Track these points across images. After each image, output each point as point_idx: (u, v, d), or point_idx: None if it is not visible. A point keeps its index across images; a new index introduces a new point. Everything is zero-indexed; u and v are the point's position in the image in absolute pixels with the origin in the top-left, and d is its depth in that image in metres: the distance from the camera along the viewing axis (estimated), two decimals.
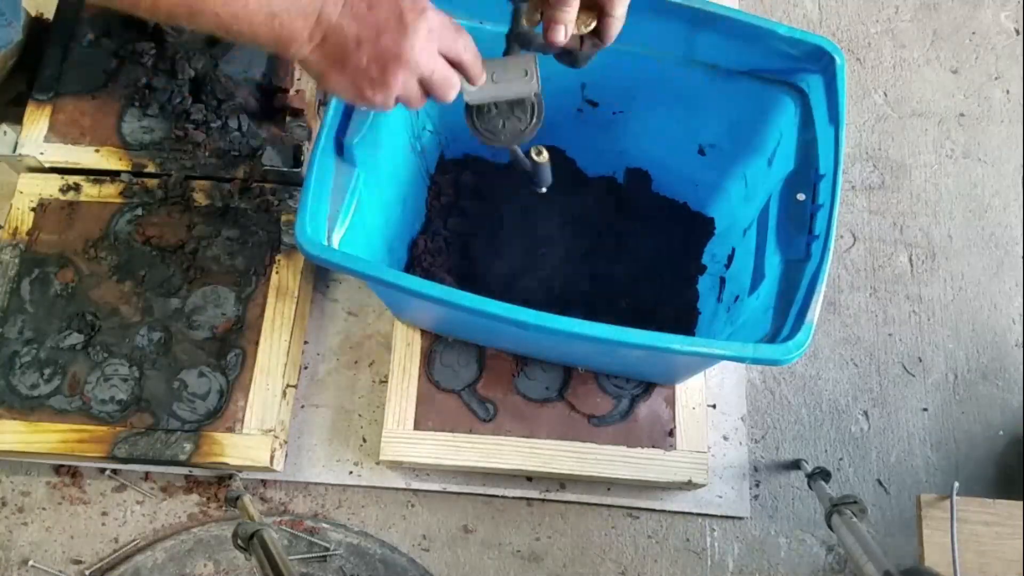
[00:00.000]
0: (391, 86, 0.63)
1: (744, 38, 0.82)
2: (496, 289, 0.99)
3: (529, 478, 1.01)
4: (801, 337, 0.71)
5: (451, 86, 0.66)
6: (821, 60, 0.81)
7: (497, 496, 1.01)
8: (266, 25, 0.61)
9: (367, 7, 0.61)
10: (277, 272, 1.00)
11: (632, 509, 1.02)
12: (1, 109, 1.06)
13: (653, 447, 0.95)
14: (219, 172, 1.03)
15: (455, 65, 0.66)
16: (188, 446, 0.92)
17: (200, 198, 1.03)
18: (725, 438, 1.04)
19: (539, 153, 0.75)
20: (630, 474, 0.94)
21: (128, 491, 1.01)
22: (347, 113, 0.78)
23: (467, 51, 0.66)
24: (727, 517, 1.02)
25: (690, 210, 1.07)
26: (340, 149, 0.78)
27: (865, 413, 1.08)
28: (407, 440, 0.94)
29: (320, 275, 1.08)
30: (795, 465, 1.04)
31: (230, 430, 0.93)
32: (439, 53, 0.64)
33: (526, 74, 0.70)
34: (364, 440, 1.02)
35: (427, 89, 0.65)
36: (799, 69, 0.83)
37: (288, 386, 0.98)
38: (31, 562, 0.97)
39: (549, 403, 0.97)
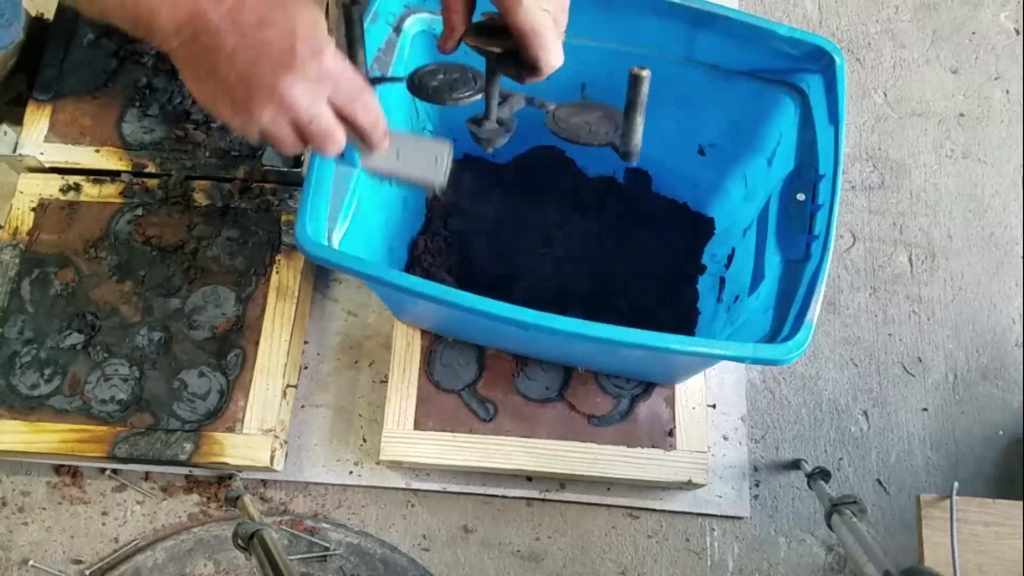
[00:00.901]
0: (254, 117, 0.55)
1: (744, 38, 0.82)
2: (496, 289, 0.99)
3: (529, 478, 1.01)
4: (801, 337, 0.71)
5: (332, 142, 0.58)
6: (821, 60, 0.81)
7: (497, 496, 1.01)
8: (120, 5, 0.52)
9: (256, 23, 0.53)
10: (277, 272, 1.00)
11: (632, 509, 1.02)
12: (1, 109, 1.06)
13: (653, 447, 0.95)
14: (219, 172, 1.03)
15: (349, 123, 0.59)
16: (188, 446, 0.92)
17: (200, 198, 1.03)
18: (725, 438, 1.04)
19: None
20: (630, 474, 0.94)
21: (128, 491, 1.01)
22: None
23: (367, 112, 0.59)
24: (727, 517, 1.02)
25: (690, 210, 1.07)
26: None
27: (865, 413, 1.08)
28: (407, 440, 0.94)
29: (320, 275, 1.08)
30: (795, 465, 1.04)
31: (230, 430, 0.93)
32: (329, 103, 0.57)
33: (436, 162, 0.65)
34: (364, 440, 1.02)
35: (303, 137, 0.58)
36: (799, 69, 0.83)
37: (288, 386, 0.98)
38: (31, 562, 0.97)
39: (549, 403, 0.97)
